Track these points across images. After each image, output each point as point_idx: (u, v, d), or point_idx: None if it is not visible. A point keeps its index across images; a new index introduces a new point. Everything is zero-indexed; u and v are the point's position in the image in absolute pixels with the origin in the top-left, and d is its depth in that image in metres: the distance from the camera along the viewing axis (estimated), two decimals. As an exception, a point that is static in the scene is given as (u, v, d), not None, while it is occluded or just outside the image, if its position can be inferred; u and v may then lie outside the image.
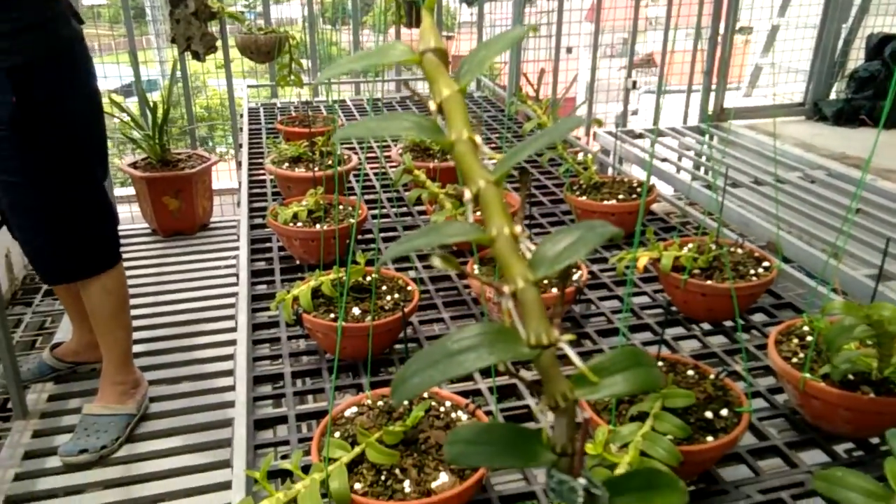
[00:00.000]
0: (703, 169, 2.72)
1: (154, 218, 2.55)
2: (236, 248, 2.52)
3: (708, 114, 3.08)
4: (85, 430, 1.66)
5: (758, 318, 1.30)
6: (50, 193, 1.55)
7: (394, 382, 0.29)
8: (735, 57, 3.33)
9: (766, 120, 3.20)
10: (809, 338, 1.03)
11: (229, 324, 2.13)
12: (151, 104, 2.46)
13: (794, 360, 0.99)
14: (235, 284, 2.29)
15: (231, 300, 2.22)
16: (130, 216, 2.78)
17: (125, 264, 2.33)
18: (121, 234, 2.60)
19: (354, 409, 0.91)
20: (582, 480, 0.30)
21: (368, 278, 1.21)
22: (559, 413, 0.30)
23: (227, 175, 3.36)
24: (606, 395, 0.30)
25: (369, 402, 0.92)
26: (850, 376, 0.92)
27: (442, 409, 0.91)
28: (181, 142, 3.31)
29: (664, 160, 2.70)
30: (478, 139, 0.31)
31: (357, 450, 0.82)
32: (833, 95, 3.25)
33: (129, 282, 2.11)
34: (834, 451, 0.96)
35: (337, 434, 0.86)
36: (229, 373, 1.92)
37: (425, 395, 0.94)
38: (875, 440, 0.99)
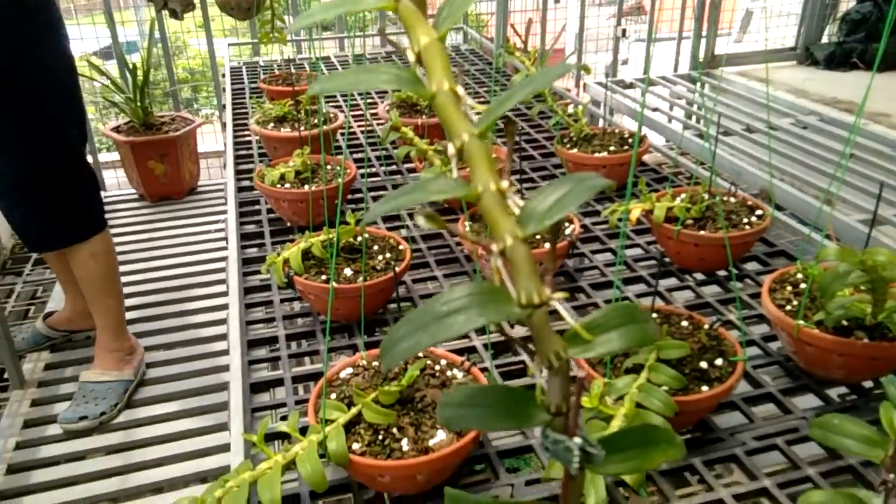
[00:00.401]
0: (694, 118, 2.69)
1: (141, 183, 2.52)
2: (225, 212, 2.50)
3: (699, 61, 3.03)
4: (83, 397, 1.66)
5: (751, 266, 1.29)
6: (27, 160, 1.52)
7: (382, 347, 0.29)
8: (725, 1, 3.27)
9: (758, 66, 3.16)
10: (803, 285, 1.03)
11: (222, 288, 2.12)
12: (131, 66, 2.40)
13: (788, 307, 0.99)
14: (224, 249, 2.29)
15: (223, 264, 2.21)
16: (117, 182, 2.74)
17: (114, 231, 2.32)
18: (108, 200, 2.58)
19: (350, 370, 0.91)
20: (577, 440, 0.30)
21: (359, 238, 1.20)
22: (553, 372, 0.29)
23: (212, 137, 3.31)
24: (601, 353, 0.30)
25: (364, 362, 0.92)
26: (844, 322, 0.92)
27: (437, 367, 0.91)
28: (164, 104, 3.25)
29: (655, 110, 2.66)
30: (460, 90, 0.30)
31: (353, 410, 0.82)
32: (825, 39, 3.21)
33: (119, 249, 2.09)
34: (827, 396, 0.97)
35: (333, 395, 0.86)
36: (224, 337, 1.92)
37: (420, 354, 0.94)
38: (868, 384, 0.99)
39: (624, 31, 2.92)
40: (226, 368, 1.81)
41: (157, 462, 1.56)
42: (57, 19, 1.56)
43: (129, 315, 1.86)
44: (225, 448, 1.56)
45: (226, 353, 1.85)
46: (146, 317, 2.02)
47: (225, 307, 2.01)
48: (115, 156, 2.73)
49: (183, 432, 1.63)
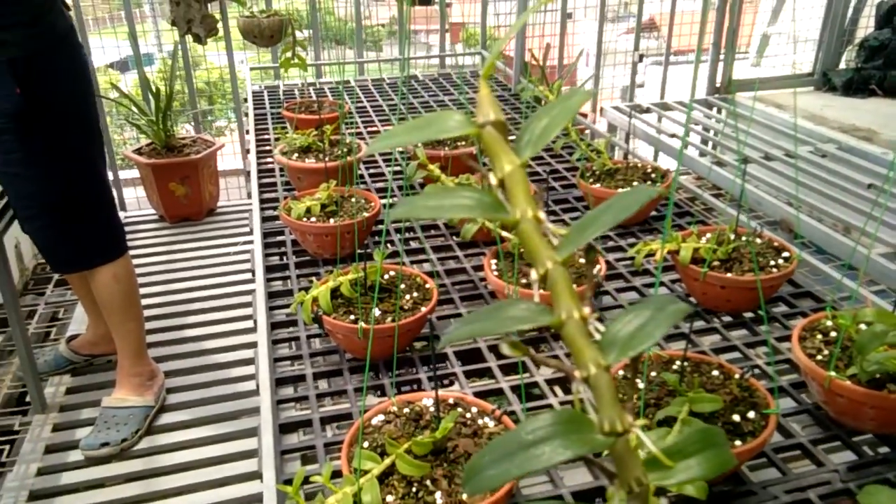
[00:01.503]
0: (710, 143, 2.69)
1: (161, 204, 2.54)
2: (245, 234, 2.52)
3: (716, 86, 3.04)
4: (105, 423, 1.67)
5: (777, 308, 1.29)
6: (54, 183, 1.55)
7: (466, 472, 0.29)
8: (743, 27, 3.28)
9: (774, 91, 3.16)
10: (833, 333, 1.02)
11: (243, 312, 2.13)
12: (154, 89, 2.42)
13: (819, 357, 0.98)
14: (247, 271, 2.30)
15: (243, 287, 2.22)
16: (137, 202, 2.77)
17: (135, 252, 2.34)
18: (127, 221, 2.60)
19: (381, 416, 0.92)
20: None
21: (386, 276, 1.20)
22: (632, 497, 0.30)
23: (230, 156, 3.33)
24: (682, 479, 0.30)
25: (395, 409, 0.92)
26: (876, 375, 0.92)
27: (468, 415, 0.91)
28: (181, 116, 3.27)
29: (672, 136, 2.67)
30: (541, 214, 0.31)
31: (387, 461, 0.82)
32: (842, 65, 3.20)
33: (139, 270, 2.11)
34: (858, 447, 0.97)
35: (365, 444, 0.86)
36: (245, 362, 1.93)
37: (451, 400, 0.94)
38: (899, 436, 0.99)
39: (641, 55, 2.93)
40: (246, 394, 1.83)
41: (177, 490, 1.56)
42: (79, 44, 1.60)
43: (148, 338, 1.87)
44: (248, 477, 1.57)
45: (246, 378, 1.87)
46: (165, 340, 2.03)
47: (246, 332, 2.04)
48: (133, 172, 2.76)
49: (204, 460, 1.63)
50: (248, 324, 2.08)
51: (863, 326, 0.99)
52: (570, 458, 0.27)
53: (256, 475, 1.57)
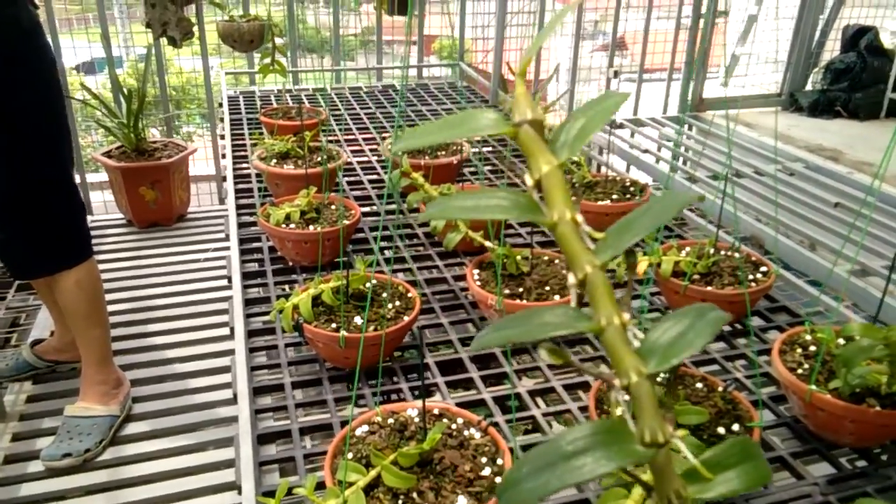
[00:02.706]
0: (681, 159, 2.73)
1: (129, 209, 2.48)
2: (216, 240, 2.48)
3: (687, 104, 3.09)
4: (67, 432, 1.61)
5: (754, 322, 1.31)
6: (18, 183, 1.49)
7: (503, 484, 0.28)
8: (714, 46, 3.35)
9: (743, 110, 3.22)
10: (812, 347, 1.04)
11: (212, 319, 2.09)
12: (126, 91, 2.37)
13: (800, 370, 0.99)
14: (218, 278, 2.26)
15: (214, 294, 2.18)
16: (104, 205, 2.70)
17: (100, 258, 2.28)
18: (94, 225, 2.53)
19: (365, 427, 0.90)
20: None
21: (368, 284, 1.19)
22: (669, 509, 0.29)
23: (201, 161, 3.28)
24: (721, 492, 0.29)
25: (379, 419, 0.91)
26: (856, 389, 0.93)
27: (454, 426, 0.90)
28: (150, 117, 3.20)
29: (645, 151, 2.70)
30: (579, 217, 0.30)
31: (373, 473, 0.80)
32: (809, 86, 3.29)
33: (105, 276, 2.05)
34: (838, 462, 0.98)
35: (350, 455, 0.85)
36: (214, 371, 1.89)
37: (436, 410, 0.93)
38: (876, 450, 1.00)
39: (616, 72, 2.97)
40: (215, 404, 1.78)
41: (142, 503, 1.51)
42: (46, 43, 1.55)
43: (114, 346, 1.82)
44: (219, 489, 1.53)
45: (215, 387, 1.83)
46: (132, 348, 1.97)
47: (216, 339, 2.00)
48: (101, 176, 2.70)
49: (172, 471, 1.59)
50: (219, 331, 2.04)
51: (841, 341, 1.00)
52: (613, 470, 0.26)
53: (228, 487, 1.53)
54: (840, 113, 3.10)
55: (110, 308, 1.83)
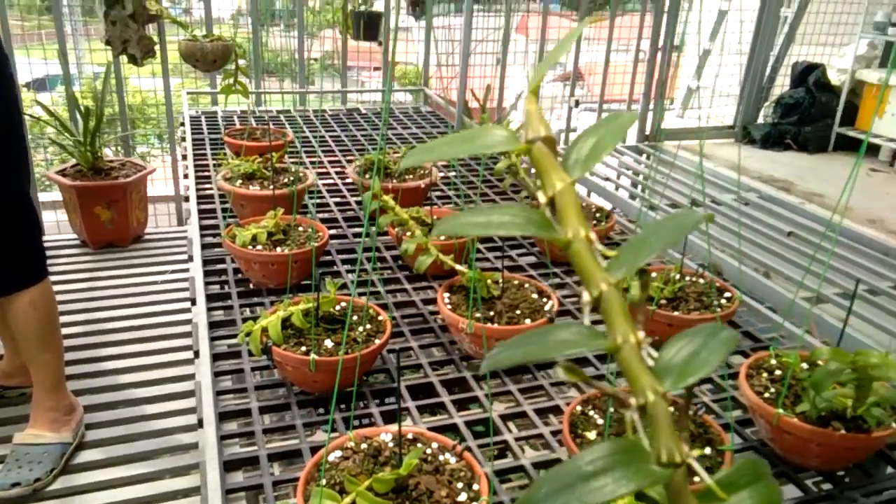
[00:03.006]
0: (640, 187, 2.79)
1: (84, 229, 2.41)
2: (175, 262, 2.42)
3: (646, 134, 3.16)
4: (17, 461, 1.54)
5: (719, 346, 1.33)
6: None
7: (519, 505, 0.27)
8: (671, 79, 3.44)
9: (696, 141, 3.32)
10: (778, 372, 1.06)
11: (170, 343, 2.03)
12: (84, 109, 2.32)
13: (766, 394, 1.01)
14: (176, 301, 2.20)
15: (173, 318, 2.12)
16: (56, 225, 2.62)
17: (54, 279, 2.20)
18: (47, 245, 2.45)
19: (339, 452, 0.88)
20: None
21: (338, 307, 1.17)
22: (683, 529, 0.29)
23: (160, 181, 3.22)
24: (735, 512, 0.29)
25: (352, 444, 0.89)
26: (822, 413, 0.95)
27: (429, 450, 0.89)
28: (107, 135, 3.13)
29: (606, 179, 2.75)
30: (592, 235, 0.30)
31: (347, 500, 0.79)
32: (760, 119, 3.41)
33: (59, 298, 1.98)
34: (804, 484, 0.99)
35: (323, 481, 0.83)
36: (172, 396, 1.83)
37: (410, 435, 0.91)
38: (840, 473, 1.02)
39: (577, 101, 3.03)
40: (172, 430, 1.72)
41: (96, 535, 1.45)
42: (4, 56, 1.51)
43: (67, 370, 1.75)
44: (172, 520, 1.47)
45: (172, 413, 1.78)
46: (86, 373, 1.90)
47: (174, 364, 1.94)
48: (54, 195, 2.62)
49: (126, 501, 1.53)
50: (178, 355, 1.98)
51: (805, 366, 1.03)
52: (633, 491, 0.26)
53: (186, 517, 1.48)
54: (790, 145, 3.22)
55: (63, 331, 1.76)
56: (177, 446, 1.68)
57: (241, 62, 2.26)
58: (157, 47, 2.42)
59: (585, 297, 0.29)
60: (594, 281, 0.29)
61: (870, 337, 1.41)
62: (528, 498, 0.27)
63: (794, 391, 1.01)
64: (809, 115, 3.17)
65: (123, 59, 2.40)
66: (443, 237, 1.43)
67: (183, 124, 2.32)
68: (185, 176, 1.91)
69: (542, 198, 0.30)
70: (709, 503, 0.30)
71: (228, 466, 0.98)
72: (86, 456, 1.64)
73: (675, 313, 1.23)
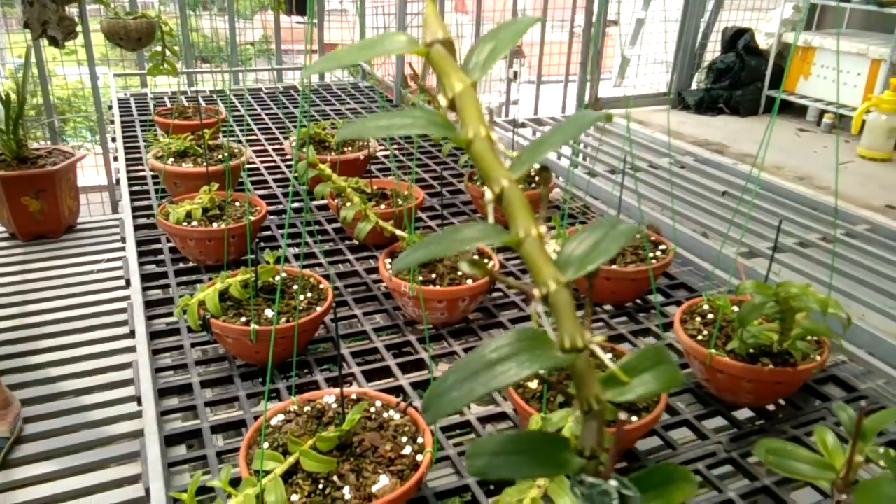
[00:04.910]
0: (580, 155, 2.83)
1: (12, 220, 2.31)
2: (109, 251, 2.35)
3: (584, 104, 3.20)
4: (-51, 460, 1.48)
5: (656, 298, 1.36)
6: None
7: (427, 398, 0.28)
8: (606, 48, 3.49)
9: (636, 109, 3.38)
10: (710, 316, 1.09)
11: (107, 332, 1.97)
12: (4, 95, 2.22)
13: (700, 337, 1.05)
14: (113, 289, 2.14)
15: (110, 306, 2.06)
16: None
17: (-19, 273, 2.11)
18: (-28, 239, 2.35)
19: (281, 416, 0.87)
20: (613, 482, 0.30)
21: (278, 277, 1.16)
22: (591, 416, 0.29)
23: (91, 171, 3.11)
24: (640, 394, 0.30)
25: (295, 407, 0.88)
26: (751, 350, 0.99)
27: (373, 409, 0.89)
28: (33, 127, 3.01)
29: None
30: (494, 135, 0.30)
31: (290, 459, 0.78)
32: (694, 85, 3.48)
33: (-11, 292, 1.91)
34: (738, 421, 1.03)
35: (266, 445, 0.82)
36: (111, 385, 1.78)
37: (353, 395, 0.91)
38: (771, 407, 1.07)
39: (516, 73, 3.04)
40: (112, 420, 1.68)
41: (39, 528, 1.41)
42: None
43: (1, 365, 1.69)
44: (122, 506, 1.44)
45: (113, 402, 1.73)
46: (21, 366, 1.84)
47: (113, 353, 1.89)
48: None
49: (69, 492, 1.48)
50: (117, 344, 1.93)
51: (736, 308, 1.06)
52: (536, 371, 0.27)
53: (135, 503, 1.45)
54: (723, 110, 3.30)
55: (-5, 325, 1.70)
56: (121, 434, 1.64)
57: (168, 40, 2.19)
58: (78, 28, 2.33)
59: (488, 195, 0.29)
60: (496, 178, 0.29)
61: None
62: (433, 392, 0.27)
63: (726, 332, 1.04)
64: (740, 80, 3.25)
65: (44, 42, 2.30)
66: (383, 206, 1.42)
67: (111, 107, 2.25)
68: (115, 159, 1.85)
69: (442, 100, 0.30)
70: (614, 387, 0.30)
71: (170, 441, 0.96)
72: (26, 450, 1.58)
73: (613, 266, 1.25)
